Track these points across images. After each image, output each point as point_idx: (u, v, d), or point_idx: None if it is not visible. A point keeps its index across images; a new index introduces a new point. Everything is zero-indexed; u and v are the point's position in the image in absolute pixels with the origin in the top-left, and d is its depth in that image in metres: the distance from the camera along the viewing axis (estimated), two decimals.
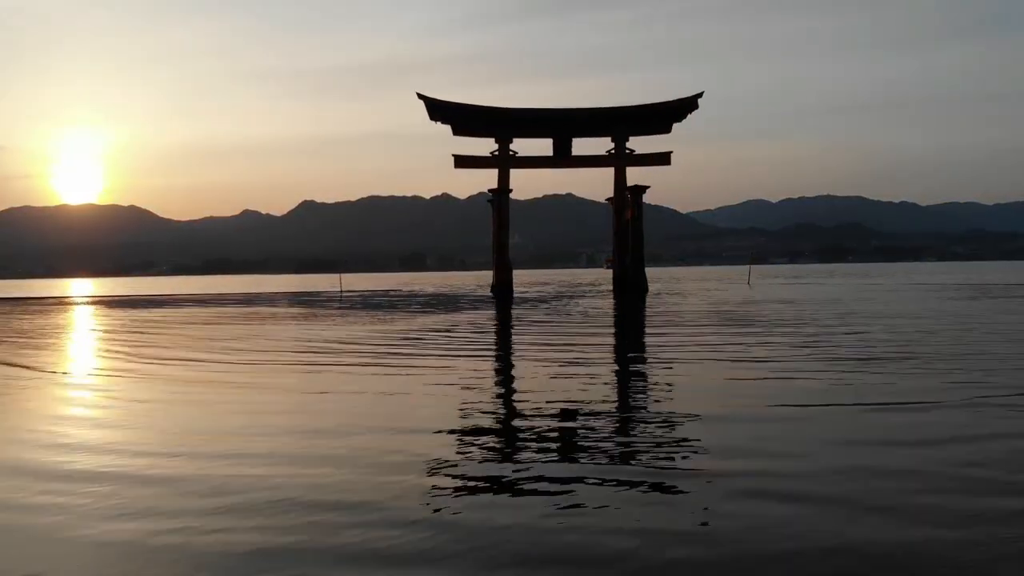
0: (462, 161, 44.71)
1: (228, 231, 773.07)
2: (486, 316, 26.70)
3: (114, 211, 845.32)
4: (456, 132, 44.97)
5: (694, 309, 28.38)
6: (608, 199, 47.41)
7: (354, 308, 35.65)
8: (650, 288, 45.73)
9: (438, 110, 44.33)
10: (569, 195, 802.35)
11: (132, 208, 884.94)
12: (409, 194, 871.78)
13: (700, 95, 45.07)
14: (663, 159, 45.37)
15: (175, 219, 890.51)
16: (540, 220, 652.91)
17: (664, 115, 45.24)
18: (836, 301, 32.22)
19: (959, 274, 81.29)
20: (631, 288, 43.20)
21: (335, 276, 77.13)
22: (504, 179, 44.23)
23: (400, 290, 61.68)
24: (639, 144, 45.79)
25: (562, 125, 44.89)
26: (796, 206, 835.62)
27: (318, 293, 58.08)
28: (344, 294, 54.29)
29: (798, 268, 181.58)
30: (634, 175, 45.64)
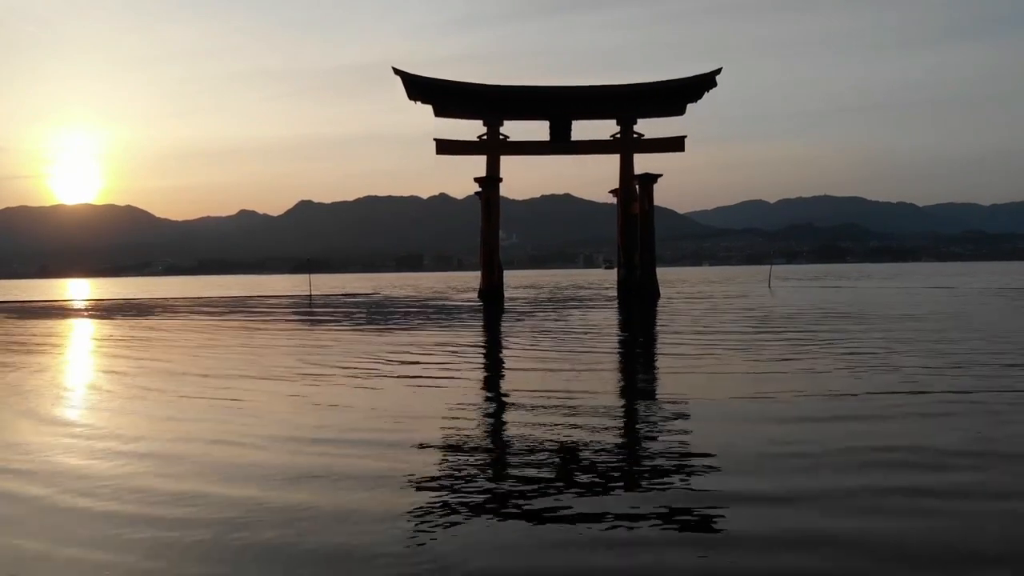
0: (445, 147, 38.83)
1: (225, 231, 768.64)
2: (452, 340, 18.68)
3: (111, 211, 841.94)
4: (438, 113, 39.13)
5: (733, 328, 20.71)
6: (612, 191, 41.58)
7: (277, 320, 29.76)
8: (660, 293, 39.52)
9: (418, 88, 38.45)
10: (567, 195, 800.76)
11: (129, 208, 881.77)
12: (407, 194, 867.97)
13: (718, 71, 39.21)
14: (676, 144, 39.52)
15: (172, 219, 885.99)
16: (537, 220, 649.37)
17: (677, 94, 39.37)
18: (919, 318, 22.70)
19: (985, 276, 75.20)
20: (640, 293, 37.25)
21: (326, 276, 71.02)
22: (493, 167, 38.37)
23: (377, 294, 55.35)
24: (648, 128, 40.15)
25: (560, 105, 39.00)
26: (794, 206, 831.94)
27: (286, 297, 52.08)
28: (313, 298, 48.22)
29: (802, 269, 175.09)
30: (641, 164, 39.80)
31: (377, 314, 31.28)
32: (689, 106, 40.00)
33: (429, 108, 39.68)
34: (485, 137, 38.68)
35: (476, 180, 37.53)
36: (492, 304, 35.70)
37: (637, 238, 37.86)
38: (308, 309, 36.53)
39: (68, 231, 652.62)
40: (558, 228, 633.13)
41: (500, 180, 38.24)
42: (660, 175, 36.99)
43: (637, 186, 37.58)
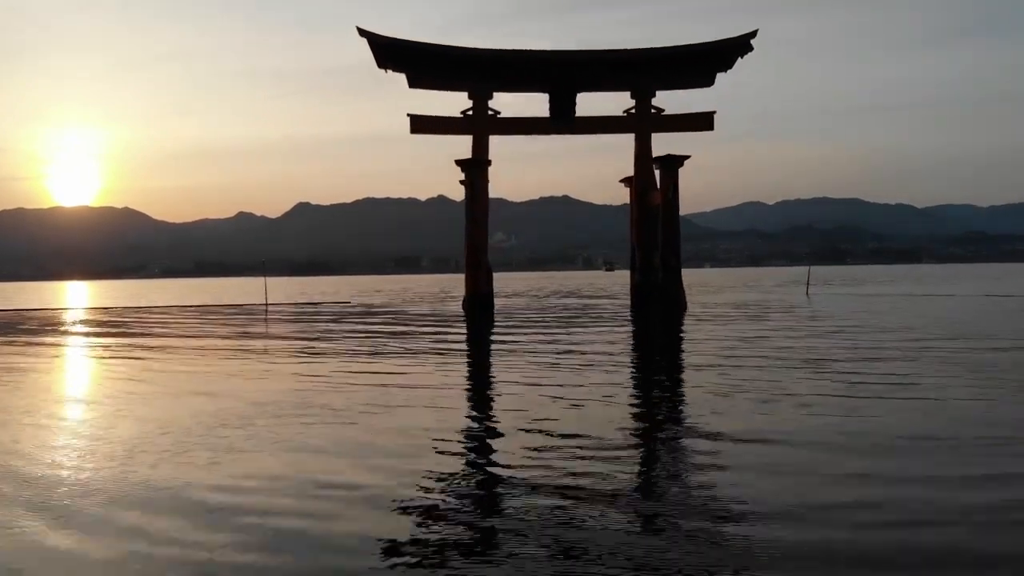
0: (421, 124, 31.72)
1: (223, 233, 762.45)
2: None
3: (109, 213, 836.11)
4: (413, 83, 32.06)
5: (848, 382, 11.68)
6: (624, 179, 34.57)
7: (190, 340, 22.78)
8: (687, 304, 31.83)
9: (389, 52, 31.34)
10: (565, 196, 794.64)
11: (126, 210, 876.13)
12: (405, 196, 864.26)
13: (754, 34, 32.19)
14: (703, 121, 32.46)
15: (170, 221, 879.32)
16: (536, 222, 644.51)
17: (705, 60, 32.26)
18: None
19: (1017, 279, 68.01)
20: (663, 301, 30.00)
21: (321, 279, 63.60)
22: (481, 148, 31.33)
23: (347, 303, 47.23)
24: (669, 102, 33.23)
25: (563, 74, 31.89)
26: (792, 208, 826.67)
27: (244, 307, 44.93)
28: (269, 308, 40.68)
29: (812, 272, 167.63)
30: (658, 147, 32.57)
31: (355, 336, 24.14)
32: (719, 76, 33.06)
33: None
34: (471, 112, 31.68)
35: (458, 163, 30.30)
36: (478, 317, 28.68)
37: (657, 235, 30.75)
38: (240, 322, 29.50)
39: (65, 233, 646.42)
40: (557, 230, 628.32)
41: (489, 163, 31.24)
42: (687, 156, 29.77)
43: (657, 171, 30.44)
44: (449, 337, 21.01)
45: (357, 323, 28.08)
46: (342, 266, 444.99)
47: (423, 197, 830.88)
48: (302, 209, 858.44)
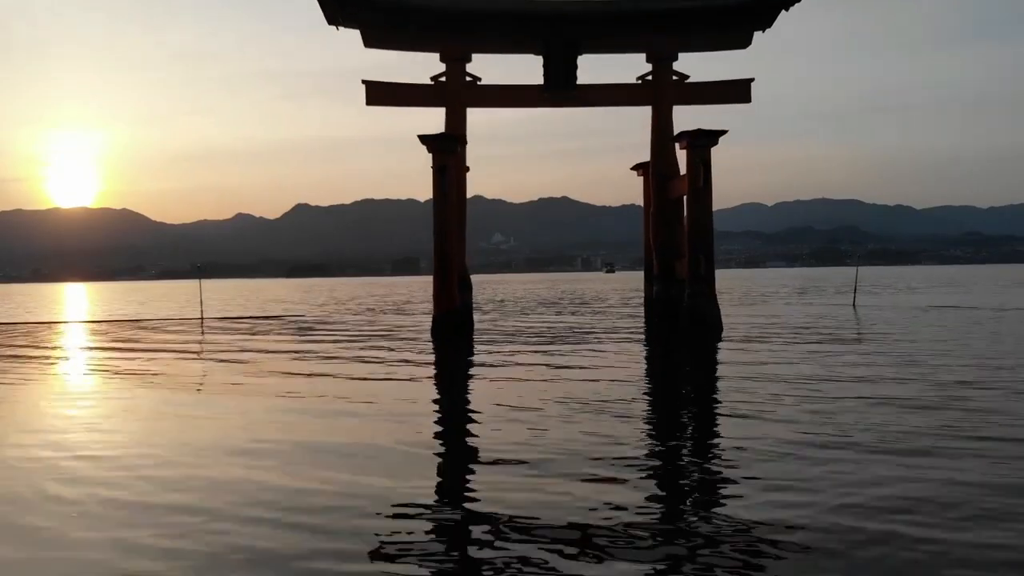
0: (380, 92, 24.73)
1: (221, 234, 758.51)
2: None
3: (107, 214, 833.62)
4: (369, 42, 25.08)
5: None
6: (637, 166, 27.73)
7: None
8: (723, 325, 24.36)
9: (339, 3, 24.44)
10: (564, 198, 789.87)
11: (125, 211, 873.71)
12: (404, 197, 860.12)
13: None
14: (738, 92, 25.45)
15: (168, 223, 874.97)
16: (535, 223, 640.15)
17: (738, 15, 25.25)
18: None
19: None
20: (688, 324, 22.96)
21: (318, 280, 56.31)
22: (456, 123, 24.38)
23: (301, 315, 39.67)
24: (694, 66, 26.44)
25: (561, 30, 24.89)
26: (791, 209, 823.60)
27: (180, 321, 37.99)
28: (206, 322, 33.50)
29: (817, 273, 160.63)
30: (682, 120, 25.48)
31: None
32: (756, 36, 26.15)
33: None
34: (443, 78, 24.78)
35: (423, 140, 23.02)
36: (450, 343, 21.83)
37: (681, 235, 23.79)
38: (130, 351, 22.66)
39: (63, 235, 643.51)
40: (556, 231, 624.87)
41: (464, 142, 24.34)
42: (723, 132, 22.68)
43: (685, 151, 23.40)
44: (393, 403, 13.67)
45: (262, 361, 21.22)
46: (340, 267, 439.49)
47: (422, 198, 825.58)
48: (301, 210, 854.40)
